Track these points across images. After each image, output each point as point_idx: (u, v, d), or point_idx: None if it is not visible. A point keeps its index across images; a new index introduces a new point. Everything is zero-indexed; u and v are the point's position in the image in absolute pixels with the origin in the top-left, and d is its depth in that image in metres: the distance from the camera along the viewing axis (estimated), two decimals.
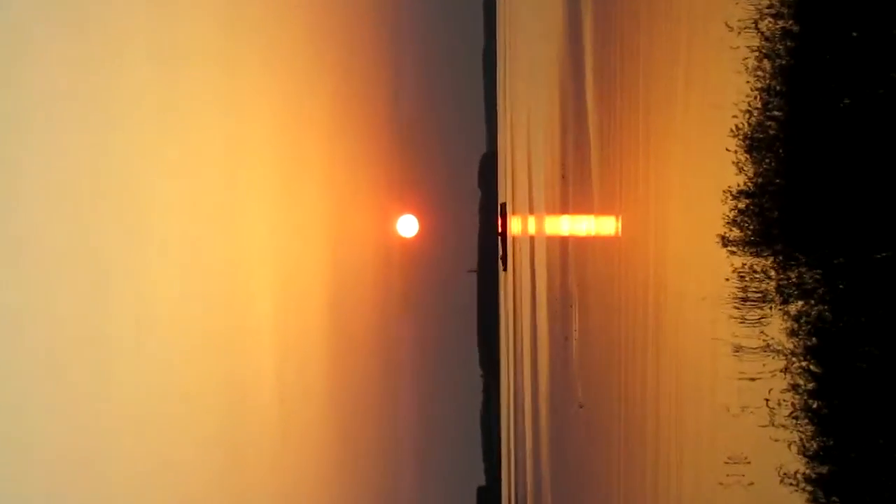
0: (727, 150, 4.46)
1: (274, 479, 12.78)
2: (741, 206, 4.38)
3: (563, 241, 12.53)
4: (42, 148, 6.96)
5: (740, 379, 4.33)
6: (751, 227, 4.31)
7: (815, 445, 3.74)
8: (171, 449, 8.89)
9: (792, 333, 3.93)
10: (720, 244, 4.55)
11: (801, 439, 3.81)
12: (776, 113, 4.14)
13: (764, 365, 4.13)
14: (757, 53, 4.23)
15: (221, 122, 10.53)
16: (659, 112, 6.28)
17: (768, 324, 4.12)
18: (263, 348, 12.41)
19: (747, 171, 4.34)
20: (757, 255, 4.23)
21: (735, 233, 4.42)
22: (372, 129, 19.18)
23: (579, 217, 10.81)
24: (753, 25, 4.23)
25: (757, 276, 4.22)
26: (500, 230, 22.58)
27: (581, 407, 10.47)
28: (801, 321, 3.87)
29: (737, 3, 4.34)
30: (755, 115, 4.28)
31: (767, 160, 4.21)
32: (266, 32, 12.61)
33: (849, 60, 3.53)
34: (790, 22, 4.00)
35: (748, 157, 4.34)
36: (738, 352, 4.38)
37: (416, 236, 21.93)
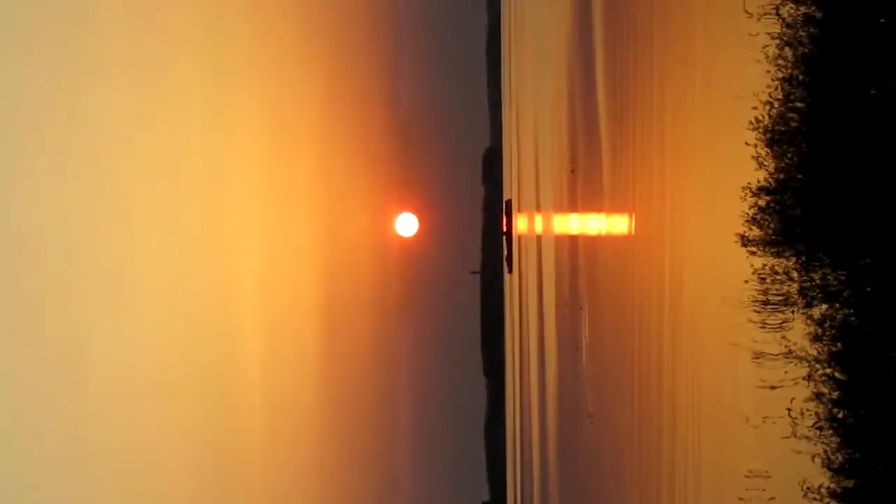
0: (746, 143, 4.48)
1: (263, 497, 12.81)
2: (761, 203, 4.40)
3: (573, 241, 12.55)
4: (21, 148, 7.01)
5: (760, 387, 4.35)
6: (772, 225, 4.33)
7: (840, 458, 3.76)
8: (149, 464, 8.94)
9: (815, 339, 3.95)
10: (739, 244, 4.57)
11: (825, 451, 3.83)
12: (798, 104, 4.15)
13: (786, 372, 4.14)
14: (778, 41, 4.24)
15: (204, 114, 10.56)
16: (674, 102, 6.30)
17: (790, 328, 4.14)
18: (249, 353, 12.44)
19: (768, 166, 4.36)
20: (778, 255, 4.24)
21: (755, 232, 4.44)
22: (368, 122, 19.20)
23: (589, 214, 10.83)
24: (774, 11, 4.25)
25: (778, 277, 4.24)
26: (504, 229, 22.59)
27: (591, 418, 10.48)
28: (826, 325, 3.89)
29: None
30: (776, 106, 4.29)
31: (789, 154, 4.23)
32: (254, 15, 12.64)
33: (875, 48, 3.55)
34: (813, 7, 4.02)
35: (769, 151, 4.35)
36: (758, 358, 4.39)
37: (416, 236, 21.95)
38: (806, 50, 4.10)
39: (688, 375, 5.89)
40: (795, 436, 4.02)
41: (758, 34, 4.37)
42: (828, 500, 3.76)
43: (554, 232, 15.09)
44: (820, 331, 3.92)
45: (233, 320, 11.72)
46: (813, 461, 3.87)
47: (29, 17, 7.04)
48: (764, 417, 4.36)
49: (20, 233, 7.00)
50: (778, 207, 4.30)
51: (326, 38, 16.59)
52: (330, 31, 16.78)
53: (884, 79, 3.52)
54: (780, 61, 4.24)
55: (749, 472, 4.57)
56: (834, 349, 3.84)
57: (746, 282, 4.49)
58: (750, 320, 4.47)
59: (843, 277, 3.80)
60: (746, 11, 4.49)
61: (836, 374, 3.83)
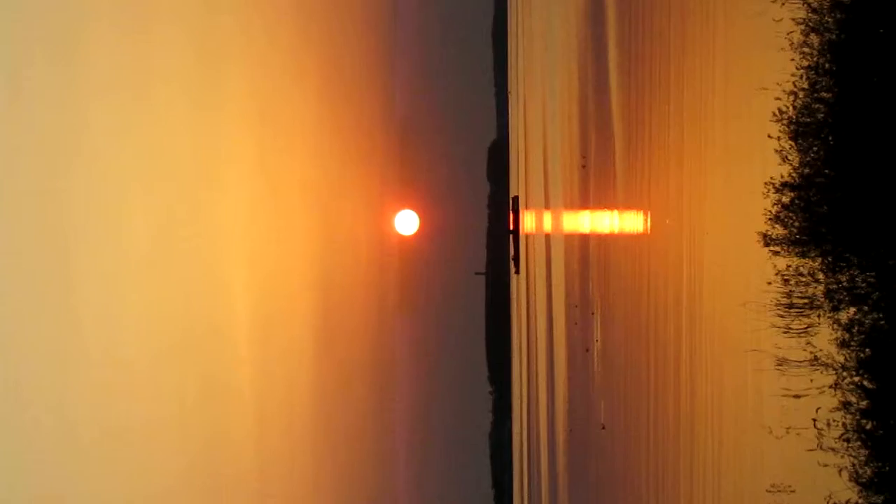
0: (769, 136, 4.48)
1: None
2: (785, 199, 4.40)
3: (584, 240, 12.55)
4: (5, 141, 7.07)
5: (784, 396, 4.35)
6: (796, 223, 4.33)
7: (868, 472, 3.77)
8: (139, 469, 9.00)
9: (843, 344, 3.95)
10: (761, 243, 4.57)
11: (852, 465, 3.83)
12: (824, 94, 4.16)
13: (811, 380, 4.15)
14: (803, 27, 4.25)
15: (188, 106, 10.58)
16: (692, 93, 6.30)
17: (816, 333, 4.15)
18: (238, 358, 12.47)
19: (792, 160, 4.36)
20: (803, 255, 4.25)
21: (778, 230, 4.44)
22: (364, 113, 19.18)
23: (602, 212, 10.83)
24: None
25: (803, 279, 4.24)
26: (511, 227, 22.58)
27: (604, 428, 10.49)
28: (853, 330, 3.90)
29: None
30: (801, 96, 4.30)
31: (815, 148, 4.23)
32: None
33: None
34: None
35: (793, 144, 4.36)
36: (781, 365, 4.40)
37: (416, 234, 21.94)
38: (833, 36, 4.10)
39: (707, 383, 5.89)
40: (821, 448, 4.02)
41: (782, 19, 4.38)
42: None
43: (564, 230, 15.08)
44: (847, 336, 3.92)
45: (220, 322, 11.74)
46: (840, 475, 3.87)
47: (22, 14, 7.10)
48: (787, 428, 4.36)
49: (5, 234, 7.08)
50: (803, 204, 4.30)
51: (320, 22, 16.61)
52: (324, 14, 16.79)
53: None
54: (806, 49, 4.24)
55: (772, 486, 4.57)
56: (862, 356, 3.84)
57: (769, 284, 4.49)
58: (773, 325, 4.47)
59: (871, 279, 3.81)
60: None
61: (865, 383, 3.83)
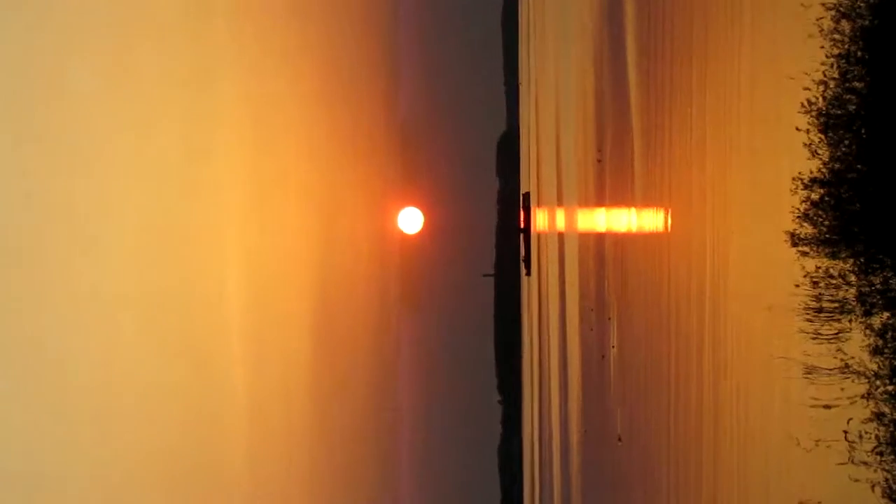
0: (797, 129, 4.49)
1: None
2: (814, 197, 4.41)
3: (599, 239, 12.56)
4: None
5: (813, 407, 4.36)
6: (826, 222, 4.34)
7: None
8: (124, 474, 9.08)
9: (876, 351, 3.96)
10: (789, 243, 4.58)
11: (886, 479, 3.84)
12: (856, 84, 4.16)
13: (842, 389, 4.15)
14: (834, 12, 4.26)
15: (183, 104, 10.63)
16: (715, 81, 6.31)
17: (847, 339, 4.15)
18: (231, 365, 12.52)
19: (822, 154, 4.37)
20: (833, 256, 4.26)
21: (807, 229, 4.45)
22: (365, 105, 19.21)
23: (619, 209, 10.85)
24: None
25: (833, 281, 4.25)
26: (521, 225, 22.60)
27: (620, 440, 10.50)
28: (887, 336, 3.90)
29: None
30: (831, 86, 4.30)
31: (846, 142, 4.24)
32: None
33: None
34: None
35: (823, 137, 4.37)
36: (810, 373, 4.41)
37: (421, 233, 21.96)
38: (866, 22, 4.11)
39: (731, 393, 5.90)
40: (853, 461, 4.03)
41: (811, 5, 4.39)
42: None
43: (578, 229, 15.11)
44: (881, 342, 3.93)
45: (213, 327, 11.79)
46: (872, 490, 3.88)
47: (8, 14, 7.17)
48: (817, 441, 4.37)
49: None
50: (833, 202, 4.31)
51: (316, 13, 16.64)
52: (320, 5, 16.82)
53: None
54: (836, 35, 4.25)
55: (800, 502, 4.58)
56: None
57: (797, 286, 4.50)
58: (801, 330, 4.48)
59: None
60: None
61: None
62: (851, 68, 4.19)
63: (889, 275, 3.91)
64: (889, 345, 3.89)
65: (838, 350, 4.21)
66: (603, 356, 11.95)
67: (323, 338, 16.95)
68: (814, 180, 4.41)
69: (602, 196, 12.26)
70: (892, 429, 3.85)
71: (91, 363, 8.46)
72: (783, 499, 4.86)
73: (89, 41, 8.28)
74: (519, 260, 22.94)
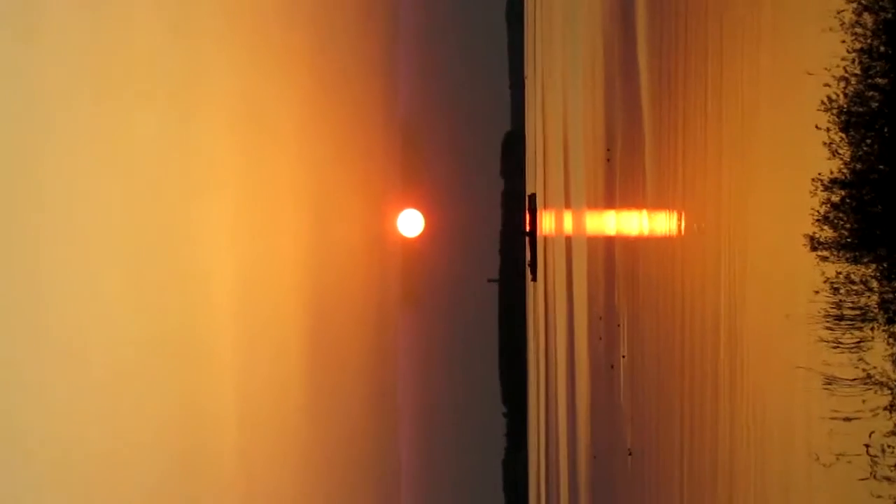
0: (817, 127, 4.50)
1: None
2: (835, 198, 4.42)
3: (609, 243, 12.58)
4: None
5: (833, 419, 4.37)
6: (847, 225, 4.35)
7: None
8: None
9: None
10: (808, 247, 4.59)
11: None
12: (879, 80, 4.17)
13: (863, 401, 4.16)
14: (855, 5, 4.26)
15: (168, 100, 10.66)
16: (731, 77, 6.33)
17: (869, 349, 4.16)
18: (222, 376, 12.53)
19: (843, 154, 4.37)
20: (855, 261, 4.26)
21: (827, 233, 4.46)
22: (363, 101, 19.21)
23: (629, 212, 10.86)
24: None
25: (854, 287, 4.25)
26: (527, 229, 22.59)
27: (631, 454, 10.51)
28: None
29: None
30: (853, 83, 4.31)
31: (868, 140, 4.24)
32: None
33: None
34: None
35: (844, 136, 4.37)
36: (830, 384, 4.41)
37: (421, 236, 21.96)
38: (889, 15, 4.12)
39: (747, 405, 5.91)
40: (875, 477, 4.03)
41: None
42: None
43: (586, 232, 15.13)
44: None
45: (202, 335, 11.81)
46: None
47: None
48: (837, 455, 4.37)
49: None
50: (854, 204, 4.31)
51: (310, 2, 16.65)
52: (313, 2, 16.84)
53: None
54: (858, 29, 4.26)
55: None
56: None
57: (816, 293, 4.50)
58: (820, 339, 4.49)
59: None
60: None
61: None
62: (874, 64, 4.20)
63: None
64: None
65: (860, 360, 4.21)
66: (612, 366, 11.96)
67: (317, 346, 16.94)
68: (834, 181, 4.42)
69: (612, 197, 12.27)
70: None
71: (81, 363, 8.53)
72: None
73: (65, 18, 8.31)
74: (524, 265, 22.94)
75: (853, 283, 4.27)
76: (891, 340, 3.99)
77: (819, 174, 4.50)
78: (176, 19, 10.96)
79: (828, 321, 4.43)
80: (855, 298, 4.25)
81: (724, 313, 6.43)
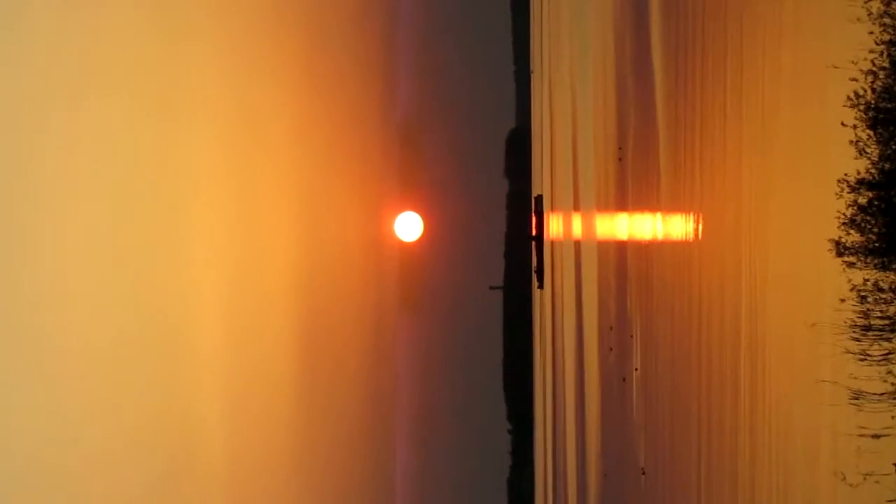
0: (843, 124, 4.51)
1: None
2: (862, 200, 4.42)
3: (620, 248, 12.58)
4: None
5: (861, 436, 4.37)
6: (875, 229, 4.35)
7: None
8: None
9: None
10: (833, 252, 4.60)
11: None
12: None
13: (893, 417, 4.17)
14: None
15: (156, 102, 10.69)
16: (752, 71, 6.33)
17: None
18: (208, 394, 12.54)
19: (870, 153, 4.38)
20: (883, 267, 4.27)
21: (854, 237, 4.46)
22: (358, 96, 19.22)
23: (643, 214, 10.87)
24: None
25: (883, 295, 4.26)
26: (533, 232, 22.60)
27: (644, 473, 10.51)
28: None
29: None
30: (881, 77, 4.32)
31: None
32: None
33: None
34: None
35: (871, 134, 4.38)
36: (857, 399, 4.42)
37: (420, 240, 21.95)
38: None
39: (769, 420, 5.91)
40: None
41: None
42: None
43: (597, 236, 15.13)
44: None
45: (188, 337, 11.86)
46: None
47: None
48: (865, 475, 4.38)
49: None
50: (883, 206, 4.32)
51: (301, 6, 16.68)
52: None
53: None
54: (887, 20, 4.26)
55: None
56: None
57: (842, 301, 4.51)
58: (847, 350, 4.49)
59: None
60: None
61: None
62: None
63: None
64: None
65: (889, 373, 4.22)
66: (624, 379, 11.96)
67: (308, 355, 16.95)
68: (861, 182, 4.42)
69: (624, 199, 12.28)
70: None
71: (60, 365, 8.59)
72: None
73: (57, 43, 8.38)
74: (530, 271, 22.95)
75: (882, 290, 4.27)
76: None
77: (845, 175, 4.50)
78: (162, 18, 11.01)
79: (854, 331, 4.43)
80: (884, 307, 4.26)
81: (744, 323, 6.43)
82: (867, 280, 4.36)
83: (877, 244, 4.33)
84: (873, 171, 4.36)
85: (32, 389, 8.37)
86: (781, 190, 5.73)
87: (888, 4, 4.26)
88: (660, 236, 9.69)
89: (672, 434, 9.00)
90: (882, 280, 4.28)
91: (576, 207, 17.66)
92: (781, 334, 5.66)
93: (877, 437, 4.27)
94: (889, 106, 4.28)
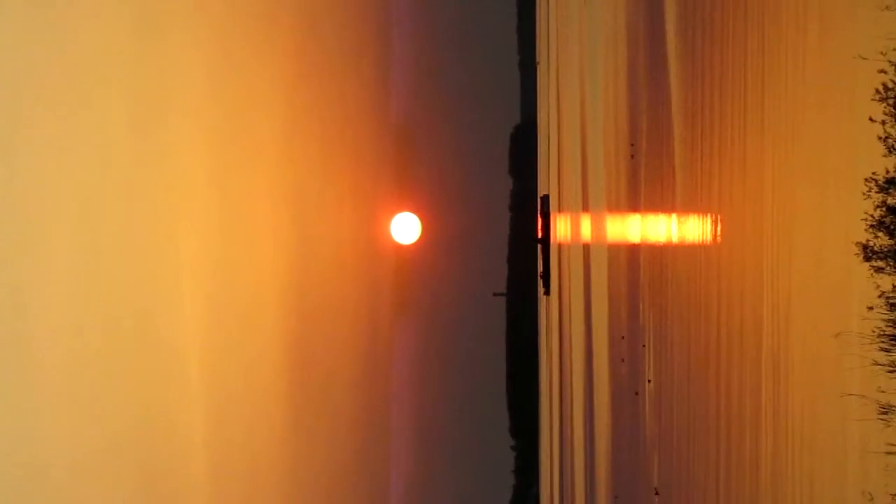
0: (871, 119, 4.51)
1: None
2: (891, 201, 4.42)
3: (632, 252, 12.59)
4: None
5: (889, 453, 4.37)
6: None
7: None
8: None
9: None
10: (861, 256, 4.60)
11: None
12: None
13: None
14: None
15: (134, 98, 10.73)
16: (774, 63, 6.33)
17: None
18: (191, 401, 12.56)
19: None
20: None
21: (882, 240, 4.47)
22: (352, 95, 19.21)
23: (656, 216, 10.87)
24: None
25: None
26: (539, 235, 22.59)
27: (658, 494, 10.51)
28: None
29: None
30: None
31: None
32: None
33: None
34: None
35: None
36: (886, 413, 4.42)
37: (418, 243, 21.95)
38: None
39: (792, 437, 5.91)
40: None
41: None
42: None
43: (607, 239, 15.14)
44: None
45: (167, 340, 11.89)
46: None
47: None
48: (893, 495, 4.38)
49: None
50: None
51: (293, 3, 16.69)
52: None
53: None
54: None
55: None
56: None
57: (870, 309, 4.51)
58: (875, 362, 4.49)
59: None
60: None
61: None
62: None
63: None
64: None
65: None
66: (636, 392, 11.96)
67: (298, 360, 16.96)
68: (890, 181, 4.43)
69: (636, 199, 12.29)
70: None
71: (35, 372, 8.66)
72: None
73: (33, 38, 8.43)
74: (536, 276, 22.95)
75: None
76: None
77: (873, 173, 4.51)
78: (145, 14, 11.04)
79: (883, 341, 4.43)
80: None
81: (766, 333, 6.43)
82: None
83: None
84: None
85: (13, 396, 8.44)
86: (805, 190, 5.73)
87: None
88: (675, 239, 9.69)
89: (688, 452, 9.00)
90: None
91: (584, 208, 17.67)
92: (806, 344, 5.66)
93: None
94: None
